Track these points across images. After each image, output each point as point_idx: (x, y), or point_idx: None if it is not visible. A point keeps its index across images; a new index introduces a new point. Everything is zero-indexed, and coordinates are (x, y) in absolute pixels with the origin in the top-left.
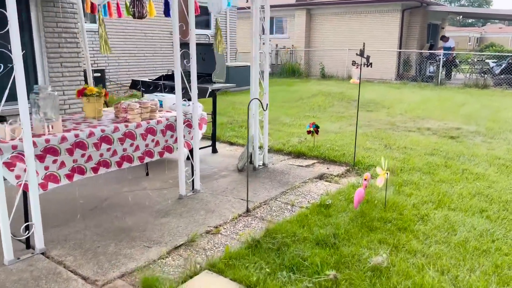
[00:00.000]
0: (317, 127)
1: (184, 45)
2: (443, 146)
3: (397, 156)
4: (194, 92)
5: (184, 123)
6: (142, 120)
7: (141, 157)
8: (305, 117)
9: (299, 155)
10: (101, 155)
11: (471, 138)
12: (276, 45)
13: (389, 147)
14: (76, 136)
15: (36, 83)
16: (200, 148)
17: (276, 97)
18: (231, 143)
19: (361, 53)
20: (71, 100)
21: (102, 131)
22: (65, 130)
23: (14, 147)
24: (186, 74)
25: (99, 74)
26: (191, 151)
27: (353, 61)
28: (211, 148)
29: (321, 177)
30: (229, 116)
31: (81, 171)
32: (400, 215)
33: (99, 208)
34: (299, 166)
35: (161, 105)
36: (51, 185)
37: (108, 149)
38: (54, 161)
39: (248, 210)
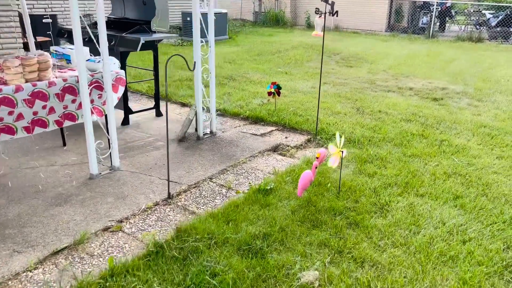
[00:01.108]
0: (278, 87)
1: None
2: (424, 110)
3: (368, 122)
4: (103, 45)
5: (91, 84)
6: (26, 82)
7: (27, 128)
8: (277, 73)
9: (257, 120)
10: (1, 119)
11: (456, 100)
12: None
13: (361, 112)
14: None
15: None
16: (140, 111)
17: (252, 49)
18: (183, 105)
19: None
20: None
21: None
22: None
23: None
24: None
25: (50, 20)
26: (106, 119)
27: (316, 8)
28: (155, 111)
29: (275, 149)
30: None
31: None
32: (355, 203)
33: None
34: (253, 134)
35: (69, 62)
36: None
37: (10, 113)
38: None
39: (169, 196)
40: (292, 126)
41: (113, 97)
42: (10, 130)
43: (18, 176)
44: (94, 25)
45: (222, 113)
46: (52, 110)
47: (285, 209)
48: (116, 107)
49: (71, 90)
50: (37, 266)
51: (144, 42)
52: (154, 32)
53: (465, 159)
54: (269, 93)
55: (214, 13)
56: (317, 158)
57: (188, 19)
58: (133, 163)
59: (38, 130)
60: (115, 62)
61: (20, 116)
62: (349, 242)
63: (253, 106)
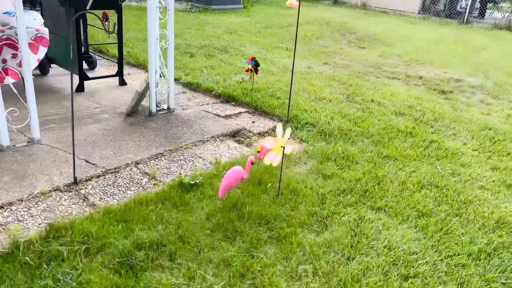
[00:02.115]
0: (256, 64)
1: None
2: (424, 104)
3: (352, 113)
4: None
5: (0, 41)
6: None
7: None
8: (276, 48)
9: (228, 99)
10: None
11: (468, 95)
12: None
13: (350, 99)
14: None
15: None
16: (99, 77)
17: (262, 20)
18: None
19: None
20: None
21: None
22: None
23: None
24: None
25: None
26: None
27: None
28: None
29: (234, 134)
30: (183, 38)
31: None
32: (291, 211)
33: None
34: (216, 115)
35: None
36: None
37: None
38: None
39: (75, 181)
40: (264, 109)
41: (31, 58)
42: None
43: None
44: None
45: (194, 87)
46: None
47: (201, 212)
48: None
49: None
50: None
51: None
52: None
53: (451, 167)
54: (247, 70)
55: None
56: (258, 152)
57: None
58: (59, 136)
59: None
60: (35, 18)
61: None
62: (258, 263)
63: (230, 83)
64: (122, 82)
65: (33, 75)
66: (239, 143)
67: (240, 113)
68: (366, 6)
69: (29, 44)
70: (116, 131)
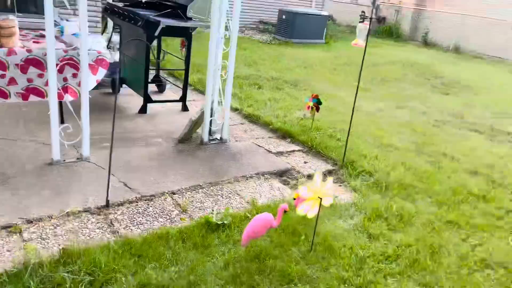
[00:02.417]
0: (318, 102)
1: None
2: (508, 164)
3: (419, 166)
4: (83, 18)
5: (63, 61)
6: None
7: None
8: (350, 87)
9: (285, 135)
10: None
11: None
12: None
13: (419, 150)
14: None
15: None
16: (167, 101)
17: (341, 56)
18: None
19: (374, 1)
20: None
21: None
22: None
23: None
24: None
25: None
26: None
27: (362, 12)
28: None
29: (282, 173)
30: (256, 69)
31: None
32: (322, 272)
33: None
34: (268, 151)
35: (62, 33)
36: None
37: None
38: None
39: (107, 205)
40: (319, 150)
41: (89, 79)
42: None
43: None
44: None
45: (254, 119)
46: (12, 81)
47: (220, 258)
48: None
49: (37, 62)
50: None
51: (164, 26)
52: (190, 19)
53: None
54: (308, 107)
55: (312, 14)
56: (294, 199)
57: (284, 17)
58: (102, 156)
59: None
60: (99, 41)
61: None
62: None
63: (291, 119)
64: (185, 108)
65: (104, 93)
66: (284, 184)
67: (294, 151)
68: (459, 50)
69: (90, 65)
70: (163, 157)
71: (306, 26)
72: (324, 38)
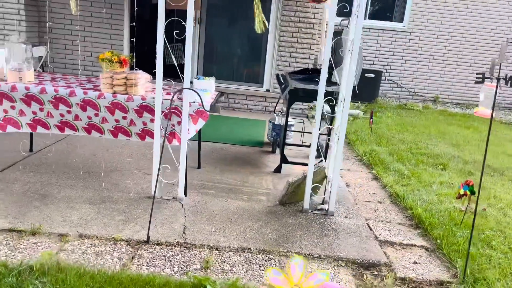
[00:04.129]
0: (471, 191)
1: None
2: None
3: None
4: (186, 74)
5: (169, 109)
6: (114, 93)
7: (113, 132)
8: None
9: (418, 225)
10: (62, 115)
11: None
12: None
13: None
14: (27, 89)
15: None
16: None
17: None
18: (368, 165)
19: (501, 58)
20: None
21: (55, 91)
22: (37, 83)
23: None
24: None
25: (372, 75)
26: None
27: (478, 74)
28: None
29: (367, 266)
30: (460, 149)
31: (45, 126)
32: None
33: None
34: (375, 237)
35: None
36: (10, 128)
37: (69, 112)
38: (12, 107)
39: (148, 241)
40: (447, 252)
41: (189, 127)
42: (99, 130)
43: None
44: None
45: (398, 200)
46: (132, 122)
47: None
48: None
49: (149, 109)
50: None
51: (292, 88)
52: (335, 84)
53: None
54: (458, 196)
55: None
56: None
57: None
58: (201, 202)
59: (121, 136)
60: (203, 95)
61: (105, 120)
62: None
63: (445, 208)
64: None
65: (263, 151)
66: (356, 278)
67: (413, 245)
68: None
69: (191, 115)
70: (247, 214)
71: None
72: None
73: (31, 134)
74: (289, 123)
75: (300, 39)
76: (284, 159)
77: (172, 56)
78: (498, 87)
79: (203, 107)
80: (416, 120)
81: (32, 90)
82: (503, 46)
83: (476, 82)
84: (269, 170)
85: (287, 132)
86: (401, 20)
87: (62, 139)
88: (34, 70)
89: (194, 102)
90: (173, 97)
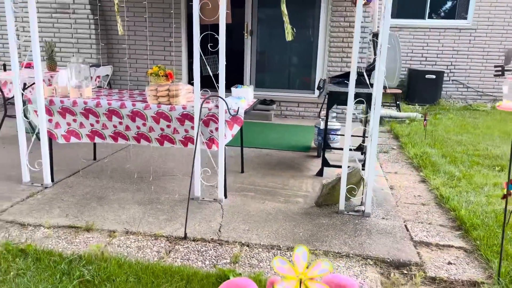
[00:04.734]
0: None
1: None
2: None
3: None
4: (221, 84)
5: (207, 117)
6: (159, 103)
7: (159, 140)
8: None
9: (460, 226)
10: (115, 126)
11: None
12: None
13: None
14: (85, 103)
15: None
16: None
17: None
18: (417, 168)
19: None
20: None
21: (109, 104)
22: (94, 98)
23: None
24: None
25: (433, 77)
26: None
27: (497, 67)
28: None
29: (397, 266)
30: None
31: (101, 136)
32: None
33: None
34: (410, 237)
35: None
36: (73, 139)
37: (120, 123)
38: (74, 120)
39: (185, 237)
40: (483, 252)
41: (226, 133)
42: (147, 138)
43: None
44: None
45: (442, 202)
46: (175, 130)
47: None
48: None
49: (189, 117)
50: None
51: (328, 92)
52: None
53: None
54: (503, 196)
55: None
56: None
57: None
58: (239, 203)
59: (167, 144)
60: (236, 102)
61: (151, 129)
62: None
63: (489, 210)
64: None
65: (308, 155)
66: (383, 277)
67: (451, 246)
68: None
69: (227, 121)
70: (283, 214)
71: None
72: None
73: (94, 144)
74: (335, 127)
75: (351, 44)
76: (325, 163)
77: (208, 67)
78: None
79: (229, 113)
80: (480, 121)
81: (89, 104)
82: None
83: (495, 76)
84: (311, 174)
85: (334, 136)
86: (465, 17)
87: (122, 149)
88: (101, 87)
89: (230, 109)
90: (202, 103)
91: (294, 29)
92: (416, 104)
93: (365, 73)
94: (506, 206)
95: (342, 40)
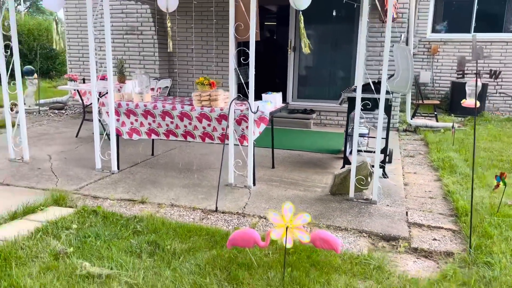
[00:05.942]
0: (503, 182)
1: None
2: None
3: None
4: (251, 89)
5: (240, 117)
6: (202, 106)
7: (201, 137)
8: None
9: (456, 214)
10: (167, 125)
11: None
12: None
13: None
14: (145, 106)
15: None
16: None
17: None
18: (436, 169)
19: (476, 54)
20: None
21: (163, 106)
22: (152, 102)
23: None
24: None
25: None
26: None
27: (459, 61)
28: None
29: (388, 238)
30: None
31: (156, 133)
32: None
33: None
34: (405, 220)
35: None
36: (135, 136)
37: (172, 122)
38: (136, 120)
39: (216, 209)
40: (465, 232)
41: (254, 130)
42: (192, 135)
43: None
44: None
45: (448, 195)
46: (214, 129)
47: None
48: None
49: (226, 118)
50: None
51: (343, 98)
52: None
53: None
54: (496, 185)
55: None
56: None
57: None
58: (265, 191)
59: (208, 140)
60: (262, 105)
61: (196, 127)
62: None
63: (487, 202)
64: (384, 175)
65: (334, 157)
66: (372, 245)
67: (441, 228)
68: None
69: (255, 120)
70: (300, 200)
71: None
72: None
73: (153, 142)
74: (363, 131)
75: None
76: (346, 161)
77: (241, 76)
78: (477, 78)
79: (250, 111)
80: None
81: (148, 107)
82: (473, 42)
83: (457, 78)
84: (333, 171)
85: (362, 140)
86: None
87: (174, 148)
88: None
89: (257, 110)
90: (230, 104)
91: (310, 44)
92: (458, 115)
93: (389, 83)
94: (473, 189)
95: (379, 54)
